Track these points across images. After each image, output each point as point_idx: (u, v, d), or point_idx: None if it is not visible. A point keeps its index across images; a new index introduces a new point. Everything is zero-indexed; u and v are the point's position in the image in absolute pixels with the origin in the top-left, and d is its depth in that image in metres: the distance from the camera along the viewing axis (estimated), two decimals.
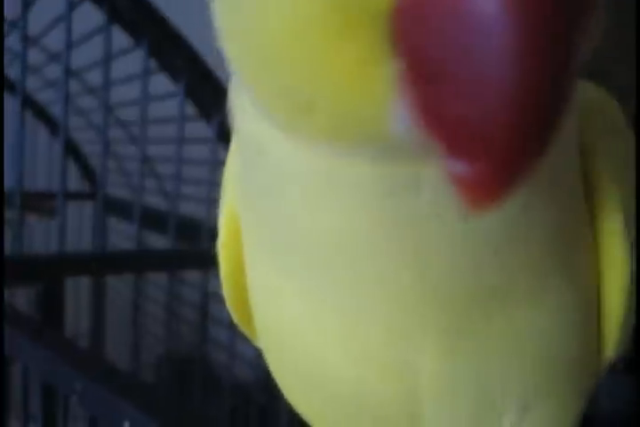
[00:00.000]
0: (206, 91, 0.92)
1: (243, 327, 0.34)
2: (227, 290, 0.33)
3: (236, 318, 0.34)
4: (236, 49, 0.21)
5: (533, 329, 0.25)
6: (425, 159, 0.18)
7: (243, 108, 0.24)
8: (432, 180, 0.20)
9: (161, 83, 0.98)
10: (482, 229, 0.22)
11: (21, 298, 1.23)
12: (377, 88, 0.17)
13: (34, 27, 1.03)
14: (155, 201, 1.21)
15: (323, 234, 0.23)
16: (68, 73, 0.95)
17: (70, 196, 1.22)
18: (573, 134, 0.24)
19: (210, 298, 1.04)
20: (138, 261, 0.98)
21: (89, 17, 0.94)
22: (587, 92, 0.27)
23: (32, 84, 1.27)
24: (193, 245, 1.07)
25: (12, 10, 0.98)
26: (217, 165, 1.00)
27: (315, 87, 0.18)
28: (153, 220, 1.10)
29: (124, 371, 0.56)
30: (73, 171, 1.45)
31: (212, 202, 1.00)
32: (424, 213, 0.21)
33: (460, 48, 0.15)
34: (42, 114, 1.40)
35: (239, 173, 0.27)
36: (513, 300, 0.24)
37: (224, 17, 0.21)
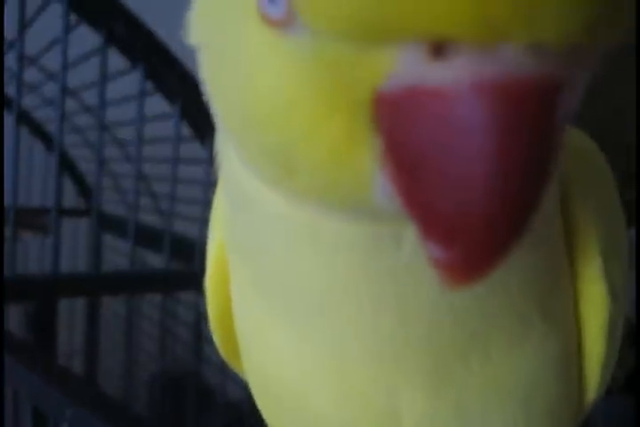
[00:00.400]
0: (201, 113, 0.92)
1: (230, 361, 0.34)
2: (214, 323, 0.33)
3: (222, 352, 0.34)
4: (221, 105, 0.21)
5: (513, 373, 0.25)
6: (406, 220, 0.18)
7: (228, 156, 0.24)
8: (412, 238, 0.20)
9: (157, 104, 0.99)
10: None
11: (13, 317, 1.22)
12: (360, 160, 0.18)
13: (32, 47, 1.04)
14: (150, 219, 1.21)
15: (306, 282, 0.23)
16: (65, 92, 0.96)
17: (65, 212, 1.22)
18: (554, 181, 0.24)
19: (203, 317, 1.04)
20: (132, 282, 0.98)
21: (87, 38, 0.95)
22: (572, 141, 0.27)
23: (30, 101, 1.28)
24: (187, 263, 1.07)
25: (11, 30, 0.99)
26: (211, 185, 1.00)
27: (298, 153, 0.18)
28: (147, 237, 1.10)
29: (114, 398, 0.56)
30: (69, 188, 1.46)
31: (206, 221, 1.01)
32: (404, 268, 0.22)
33: (436, 144, 0.16)
34: (38, 131, 1.41)
35: (226, 212, 0.28)
36: (493, 345, 0.24)
37: (209, 72, 0.21)
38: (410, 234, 0.21)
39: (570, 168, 0.25)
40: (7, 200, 0.95)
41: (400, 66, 0.16)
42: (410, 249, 0.21)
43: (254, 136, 0.19)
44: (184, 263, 1.08)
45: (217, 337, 0.33)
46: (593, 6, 0.15)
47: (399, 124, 0.16)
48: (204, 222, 1.01)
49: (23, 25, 0.92)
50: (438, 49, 0.15)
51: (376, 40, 0.15)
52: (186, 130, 0.99)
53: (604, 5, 0.15)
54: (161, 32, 0.93)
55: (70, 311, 1.38)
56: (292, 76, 0.17)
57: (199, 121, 0.95)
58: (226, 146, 0.24)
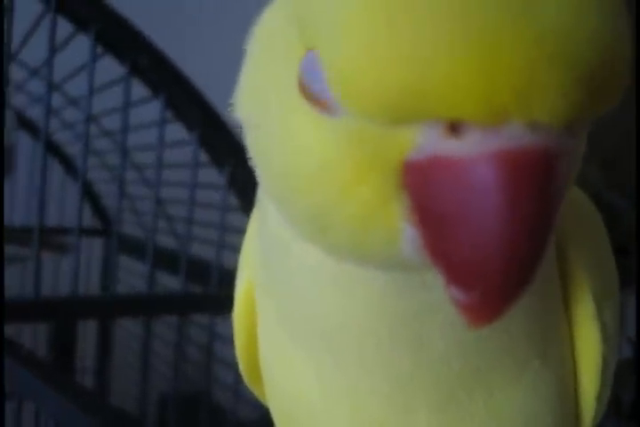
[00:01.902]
0: (219, 141, 0.96)
1: (253, 387, 0.36)
2: (240, 352, 0.35)
3: (246, 379, 0.36)
4: (263, 172, 0.24)
5: (512, 405, 0.27)
6: (426, 268, 0.20)
7: (266, 206, 0.27)
8: (436, 283, 0.22)
9: (176, 131, 1.02)
10: None
11: (29, 334, 1.24)
12: (390, 218, 0.20)
13: (56, 73, 1.07)
14: (166, 241, 1.23)
15: (332, 323, 0.26)
16: (89, 118, 0.99)
17: (82, 231, 1.24)
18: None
19: (217, 339, 1.06)
20: (149, 305, 1.01)
21: (110, 68, 0.98)
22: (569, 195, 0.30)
23: (50, 125, 1.31)
24: (202, 285, 1.09)
25: (37, 58, 1.03)
26: (226, 209, 1.03)
27: (332, 214, 0.21)
28: (164, 260, 1.13)
29: (131, 416, 0.58)
30: (85, 208, 1.48)
31: (221, 245, 1.03)
32: (419, 312, 0.24)
33: (456, 204, 0.18)
34: (57, 153, 1.44)
35: (258, 253, 0.30)
36: (494, 380, 0.26)
37: (253, 144, 0.24)
38: (433, 279, 0.23)
39: (566, 220, 0.28)
40: (31, 221, 0.97)
41: (423, 141, 0.18)
42: (425, 294, 0.24)
43: (292, 199, 0.22)
44: (200, 286, 1.10)
45: (242, 365, 0.35)
46: (579, 93, 0.17)
47: (424, 187, 0.19)
48: (219, 246, 1.04)
49: (52, 51, 0.95)
50: (454, 127, 0.18)
51: (403, 121, 0.18)
52: (203, 156, 1.02)
53: (593, 90, 0.18)
54: (182, 64, 0.96)
55: (84, 330, 1.40)
56: (328, 147, 0.20)
57: (217, 148, 0.98)
58: (265, 198, 0.27)
